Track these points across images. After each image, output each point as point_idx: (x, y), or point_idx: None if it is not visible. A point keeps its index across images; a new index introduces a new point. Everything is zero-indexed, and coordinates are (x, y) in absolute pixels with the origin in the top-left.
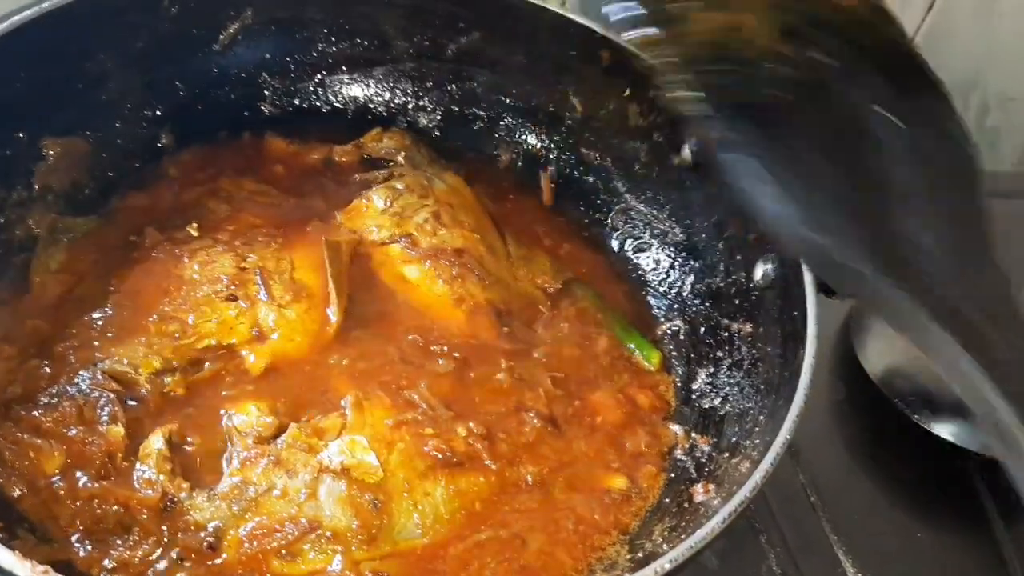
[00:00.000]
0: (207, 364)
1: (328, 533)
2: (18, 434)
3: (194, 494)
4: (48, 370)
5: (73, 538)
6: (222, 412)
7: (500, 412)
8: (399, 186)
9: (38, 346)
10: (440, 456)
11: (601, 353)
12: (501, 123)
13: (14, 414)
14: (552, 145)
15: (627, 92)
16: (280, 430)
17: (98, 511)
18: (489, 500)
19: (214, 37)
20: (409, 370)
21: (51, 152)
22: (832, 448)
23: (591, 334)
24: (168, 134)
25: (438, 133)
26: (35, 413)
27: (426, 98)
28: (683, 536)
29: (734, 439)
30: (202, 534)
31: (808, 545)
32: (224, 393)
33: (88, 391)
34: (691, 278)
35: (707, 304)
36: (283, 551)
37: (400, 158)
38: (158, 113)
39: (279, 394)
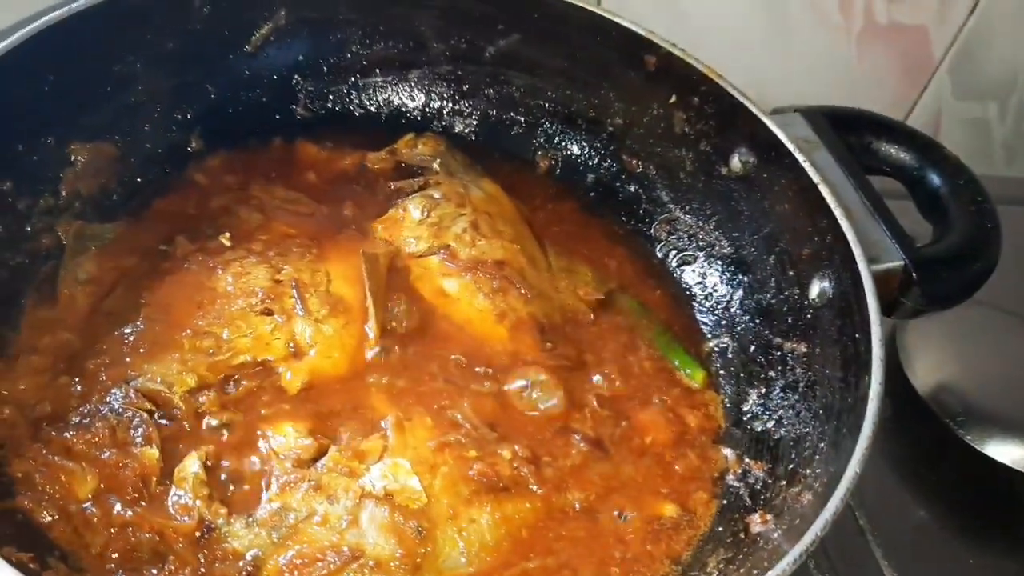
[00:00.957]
0: (243, 382)
1: (371, 562)
2: (49, 456)
3: (232, 520)
4: (79, 388)
5: (107, 567)
6: (259, 433)
7: (545, 434)
8: (436, 195)
9: (68, 362)
10: (485, 481)
11: (648, 369)
12: (540, 129)
13: (44, 435)
14: (593, 152)
15: (672, 99)
16: (319, 452)
17: (132, 539)
18: (535, 527)
19: (246, 38)
20: (451, 389)
21: (79, 157)
22: (880, 468)
23: (636, 349)
24: (198, 138)
25: (474, 139)
26: (66, 434)
27: (463, 102)
28: (740, 570)
29: (791, 466)
30: (240, 563)
31: (858, 571)
32: (261, 412)
33: (121, 411)
34: (739, 293)
35: (757, 321)
36: None
37: (435, 165)
38: (188, 117)
39: (317, 414)
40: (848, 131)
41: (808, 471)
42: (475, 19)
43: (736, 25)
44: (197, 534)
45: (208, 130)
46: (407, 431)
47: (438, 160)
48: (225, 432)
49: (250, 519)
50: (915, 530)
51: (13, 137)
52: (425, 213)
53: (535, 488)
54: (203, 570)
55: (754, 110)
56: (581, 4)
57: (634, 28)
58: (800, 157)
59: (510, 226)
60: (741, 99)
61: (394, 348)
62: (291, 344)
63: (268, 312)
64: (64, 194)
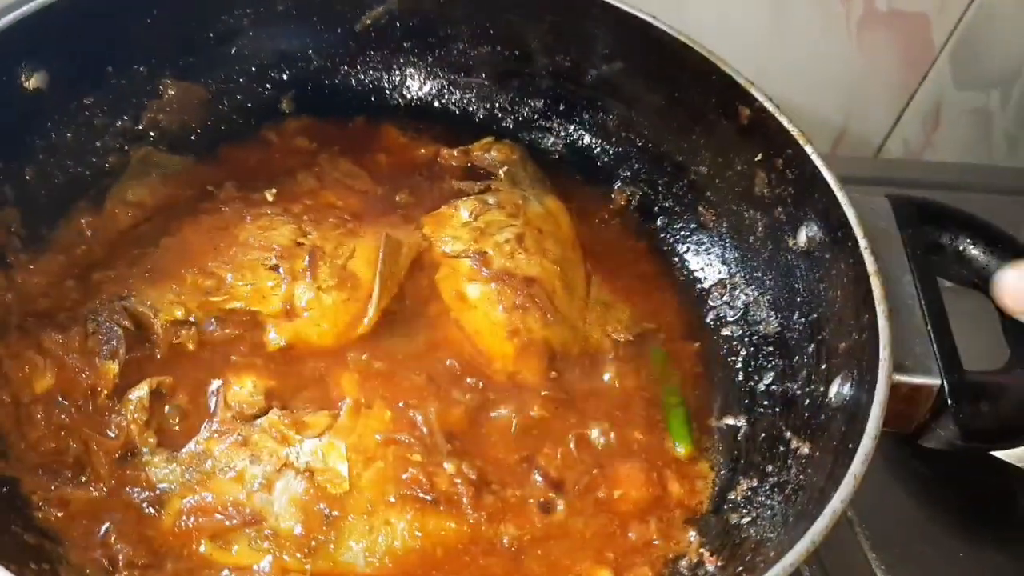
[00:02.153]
0: (227, 328)
1: (268, 531)
2: (22, 347)
3: (156, 451)
4: (78, 294)
5: (32, 461)
6: (219, 380)
7: (506, 462)
8: (490, 200)
9: (82, 268)
10: (417, 489)
11: (647, 424)
12: (625, 163)
13: (29, 325)
14: (670, 196)
15: (759, 157)
16: (264, 412)
17: (62, 443)
18: (454, 549)
19: (357, 17)
20: (427, 390)
21: (168, 92)
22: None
23: (646, 400)
24: (290, 101)
25: (557, 157)
26: (47, 331)
27: (555, 120)
28: None
29: (740, 569)
30: (148, 493)
31: (845, 563)
32: (232, 359)
33: (101, 322)
34: (770, 376)
35: (777, 410)
36: (217, 535)
37: (501, 172)
38: (284, 78)
39: (283, 376)
40: (938, 228)
41: None
42: (584, 40)
43: (735, 11)
44: (119, 454)
45: (301, 95)
46: (362, 417)
47: (505, 168)
48: (188, 369)
49: (172, 454)
50: (904, 523)
51: (107, 58)
52: (473, 216)
53: (468, 511)
54: (110, 491)
55: (833, 185)
56: (690, 43)
57: (735, 76)
58: (863, 243)
59: (558, 247)
60: (823, 170)
61: (389, 337)
62: (286, 304)
63: (276, 269)
64: (144, 122)
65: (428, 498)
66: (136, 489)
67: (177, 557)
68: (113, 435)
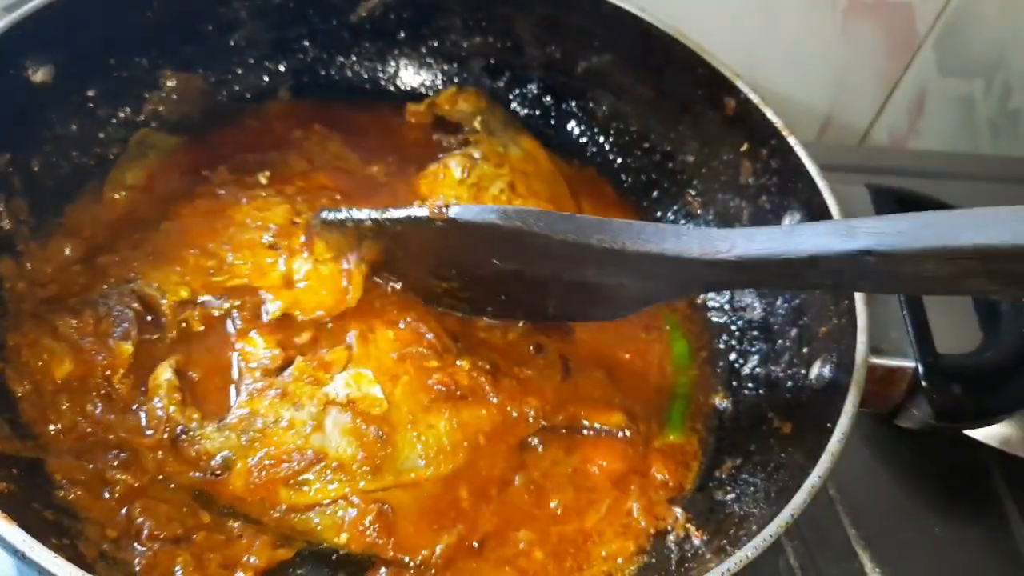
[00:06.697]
0: (229, 303)
1: (334, 464)
2: (38, 334)
3: (204, 424)
4: (85, 279)
5: (59, 446)
6: (231, 344)
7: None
8: (476, 155)
9: (87, 253)
10: (444, 389)
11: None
12: (614, 151)
13: (42, 312)
14: (657, 184)
15: (744, 147)
16: (286, 362)
17: (99, 439)
18: (493, 434)
19: (353, 7)
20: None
21: (168, 83)
22: (850, 440)
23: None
24: (286, 90)
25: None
26: (61, 317)
27: (548, 110)
28: None
29: (724, 542)
30: (212, 463)
31: (826, 539)
32: (238, 327)
33: (112, 305)
34: (755, 360)
35: (760, 392)
36: (291, 481)
37: (476, 124)
38: (281, 68)
39: (288, 332)
40: None
41: (733, 550)
42: (573, 32)
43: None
44: (169, 440)
45: (298, 84)
46: (370, 342)
47: (479, 118)
48: (199, 345)
49: (221, 423)
50: (883, 500)
51: (108, 50)
52: (465, 173)
53: (492, 396)
54: (164, 476)
55: (815, 175)
56: (678, 36)
57: (721, 69)
58: None
59: (547, 185)
60: (806, 161)
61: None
62: (285, 277)
63: (274, 247)
64: (144, 113)
65: (456, 395)
66: (200, 463)
67: (261, 512)
68: (150, 433)
